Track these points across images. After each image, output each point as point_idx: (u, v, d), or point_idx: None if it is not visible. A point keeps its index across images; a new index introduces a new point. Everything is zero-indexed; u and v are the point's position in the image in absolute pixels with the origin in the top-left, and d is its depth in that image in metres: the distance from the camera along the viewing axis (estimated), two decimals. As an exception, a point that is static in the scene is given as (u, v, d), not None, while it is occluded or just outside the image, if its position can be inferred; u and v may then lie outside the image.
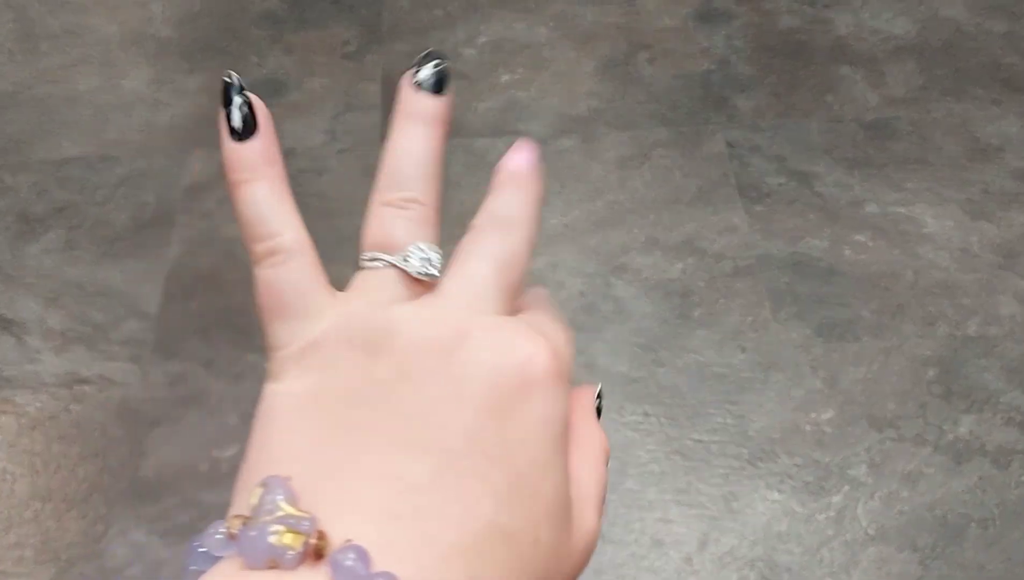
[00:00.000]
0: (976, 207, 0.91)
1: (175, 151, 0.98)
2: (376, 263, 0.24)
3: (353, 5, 1.11)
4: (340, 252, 0.91)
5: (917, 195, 0.92)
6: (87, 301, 0.87)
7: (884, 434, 0.77)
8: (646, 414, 0.79)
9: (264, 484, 0.19)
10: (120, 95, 1.03)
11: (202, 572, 0.19)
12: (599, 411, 0.25)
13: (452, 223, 1.04)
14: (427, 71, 0.25)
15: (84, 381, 0.82)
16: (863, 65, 1.04)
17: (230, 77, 0.23)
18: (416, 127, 0.25)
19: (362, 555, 0.18)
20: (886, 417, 0.78)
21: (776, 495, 0.74)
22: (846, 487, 0.74)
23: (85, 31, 1.10)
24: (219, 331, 0.84)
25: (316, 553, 0.18)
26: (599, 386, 0.26)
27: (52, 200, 0.95)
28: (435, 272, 0.23)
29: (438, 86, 0.25)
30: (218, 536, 0.19)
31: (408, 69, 0.25)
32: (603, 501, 0.23)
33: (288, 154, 0.98)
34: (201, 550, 0.19)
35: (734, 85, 1.02)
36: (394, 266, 0.23)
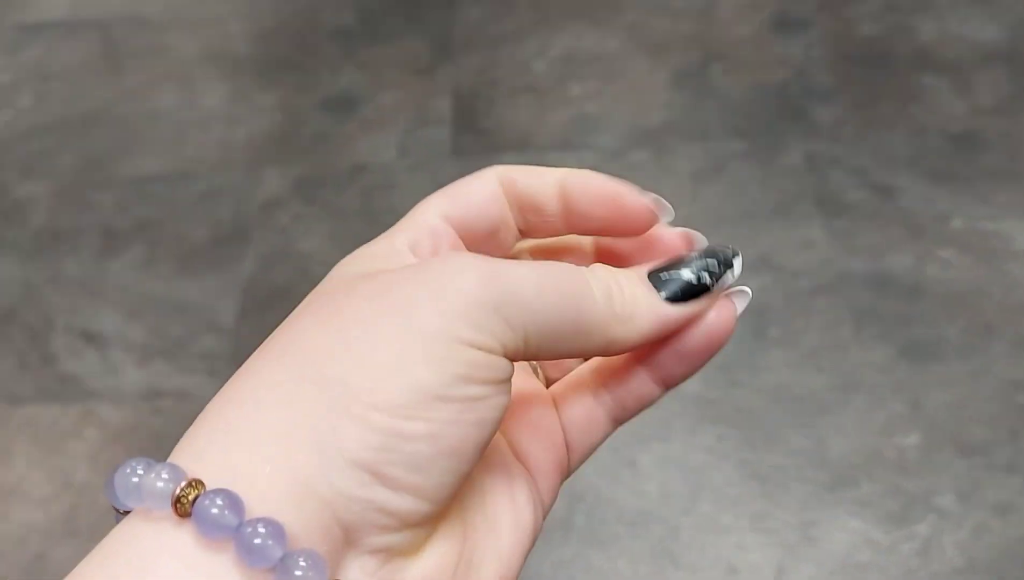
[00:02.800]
0: (1071, 222, 0.87)
1: (250, 167, 1.00)
2: None
3: (424, 19, 1.12)
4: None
5: (1006, 210, 0.89)
6: (166, 315, 0.89)
7: (972, 461, 0.74)
8: (720, 437, 0.77)
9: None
10: (198, 112, 1.06)
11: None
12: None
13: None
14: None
15: (163, 394, 0.83)
16: (949, 74, 1.00)
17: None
18: None
19: (232, 501, 0.18)
20: (974, 443, 0.75)
21: (857, 523, 0.72)
22: (932, 516, 0.71)
23: (165, 50, 1.13)
24: (293, 346, 0.85)
25: (179, 502, 0.18)
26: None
27: (133, 216, 0.97)
28: None
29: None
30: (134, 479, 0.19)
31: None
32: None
33: (359, 170, 0.98)
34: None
35: (812, 95, 1.00)
36: None
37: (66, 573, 0.75)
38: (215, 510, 0.18)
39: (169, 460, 0.20)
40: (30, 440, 0.82)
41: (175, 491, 0.18)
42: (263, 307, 0.88)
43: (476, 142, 1.00)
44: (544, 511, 0.25)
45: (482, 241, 0.26)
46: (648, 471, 0.76)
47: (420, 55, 1.09)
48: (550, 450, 0.25)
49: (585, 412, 0.26)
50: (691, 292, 0.24)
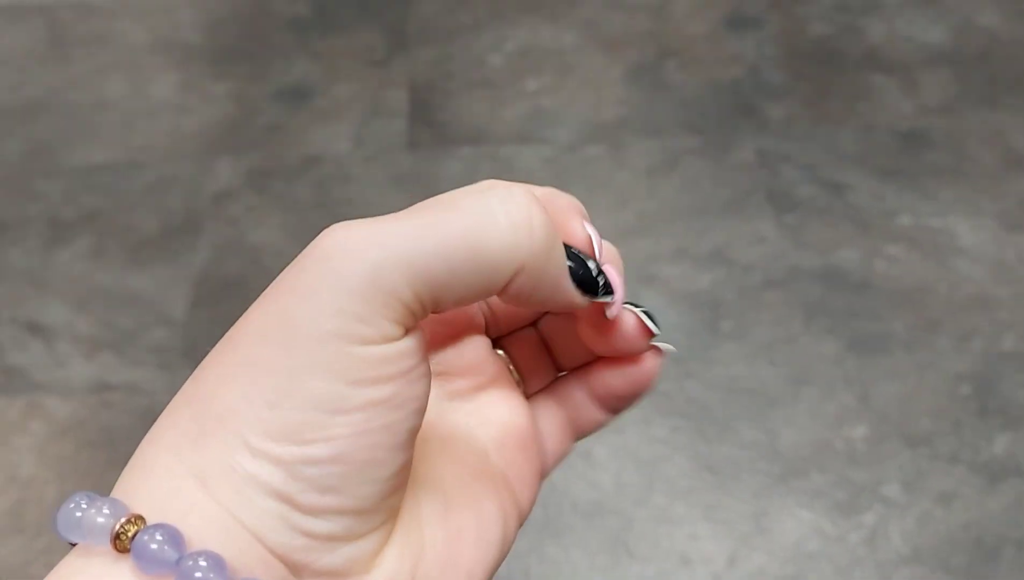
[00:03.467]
0: (1012, 219, 0.90)
1: (202, 157, 0.98)
2: None
3: (379, 11, 1.11)
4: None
5: (951, 206, 0.91)
6: (115, 307, 0.87)
7: (918, 452, 0.76)
8: (675, 428, 0.78)
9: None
10: (148, 101, 1.04)
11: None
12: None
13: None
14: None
15: (112, 387, 0.82)
16: (896, 73, 1.02)
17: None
18: None
19: (172, 535, 0.18)
20: (920, 434, 0.77)
21: (807, 513, 0.73)
22: (879, 506, 0.73)
23: (114, 37, 1.10)
24: (246, 339, 0.84)
25: (118, 537, 0.18)
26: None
27: (81, 206, 0.95)
28: None
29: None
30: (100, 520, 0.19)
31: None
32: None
33: (314, 161, 0.97)
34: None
35: (765, 93, 1.01)
36: None
37: (11, 569, 0.73)
38: (154, 545, 0.18)
39: (112, 496, 0.19)
40: (-27, 435, 0.80)
41: (115, 526, 0.18)
42: (215, 299, 0.87)
43: (431, 135, 0.99)
44: (520, 519, 0.24)
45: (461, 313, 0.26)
46: (602, 462, 0.76)
47: (375, 46, 1.08)
48: (532, 458, 0.25)
49: (558, 422, 0.26)
50: (588, 278, 0.23)
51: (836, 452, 0.76)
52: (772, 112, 1.00)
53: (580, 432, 0.26)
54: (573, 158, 0.97)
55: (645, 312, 0.24)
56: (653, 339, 0.25)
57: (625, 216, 0.91)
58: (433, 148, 0.98)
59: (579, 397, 0.26)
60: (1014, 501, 0.73)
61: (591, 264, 0.23)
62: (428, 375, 0.20)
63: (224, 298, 0.87)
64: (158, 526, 0.18)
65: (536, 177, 0.95)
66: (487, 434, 0.25)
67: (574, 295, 0.22)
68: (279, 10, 1.12)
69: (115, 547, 0.18)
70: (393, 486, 0.20)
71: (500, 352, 0.26)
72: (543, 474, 0.26)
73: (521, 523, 0.24)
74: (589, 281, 0.22)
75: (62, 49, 1.09)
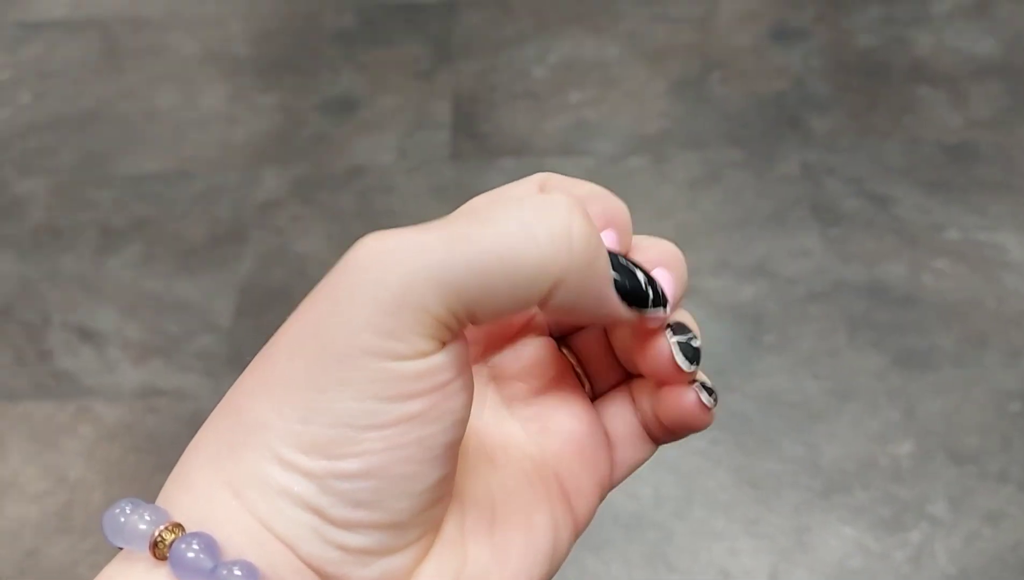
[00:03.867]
0: (1064, 234, 0.88)
1: (249, 167, 1.00)
2: None
3: (424, 24, 1.12)
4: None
5: (1000, 221, 0.89)
6: (163, 314, 0.89)
7: (964, 469, 0.74)
8: (715, 441, 0.77)
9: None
10: (197, 112, 1.06)
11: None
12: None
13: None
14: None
15: (159, 393, 0.83)
16: (944, 86, 1.01)
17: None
18: None
19: (208, 544, 0.18)
20: (967, 452, 0.75)
21: (850, 530, 0.72)
22: (924, 523, 0.72)
23: (165, 49, 1.13)
24: (289, 346, 0.85)
25: (156, 545, 0.18)
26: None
27: (132, 214, 0.97)
28: None
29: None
30: (142, 527, 0.19)
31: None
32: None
33: (358, 172, 0.99)
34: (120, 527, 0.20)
35: (809, 105, 1.01)
36: None
37: (60, 569, 0.75)
38: (191, 553, 0.18)
39: (156, 503, 0.20)
40: (25, 436, 0.81)
41: (154, 534, 0.19)
42: (260, 307, 0.88)
43: (475, 146, 1.00)
44: (576, 532, 0.23)
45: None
46: (642, 475, 0.76)
47: (420, 59, 1.09)
48: (593, 468, 0.24)
49: (632, 426, 0.25)
50: (637, 290, 0.21)
51: (880, 468, 0.75)
52: (817, 124, 0.99)
53: (665, 435, 0.25)
54: (615, 170, 0.97)
55: (685, 343, 0.22)
56: (691, 374, 0.23)
57: (667, 228, 0.91)
58: (476, 159, 0.99)
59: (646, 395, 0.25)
60: (1065, 522, 0.71)
61: (640, 274, 0.21)
62: (468, 388, 0.20)
63: (269, 306, 0.88)
64: (195, 535, 0.18)
65: (578, 188, 0.95)
66: (545, 442, 0.24)
67: (619, 308, 0.21)
68: (326, 23, 1.14)
69: (153, 554, 0.18)
70: (430, 500, 0.19)
71: (565, 352, 0.25)
72: (608, 484, 0.24)
73: (577, 536, 0.23)
74: (637, 293, 0.21)
75: (115, 61, 1.12)
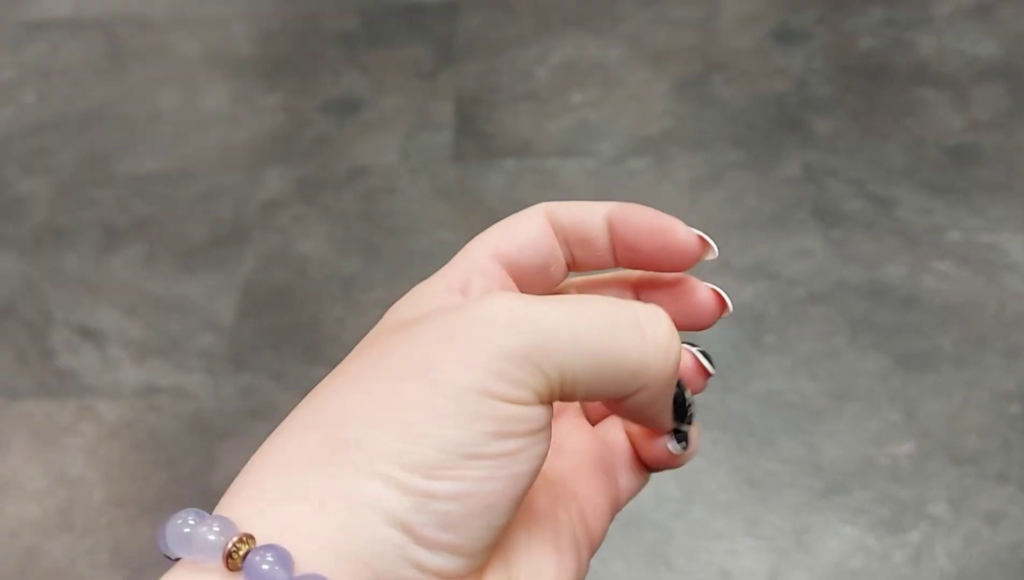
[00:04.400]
0: (1065, 236, 0.88)
1: (251, 168, 1.00)
2: None
3: (427, 25, 1.13)
4: (409, 270, 0.92)
5: (1002, 223, 0.89)
6: (165, 313, 0.89)
7: (964, 470, 0.74)
8: (715, 441, 0.77)
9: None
10: (200, 112, 1.06)
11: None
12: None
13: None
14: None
15: (160, 391, 0.84)
16: (946, 88, 1.01)
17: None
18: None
19: (282, 557, 0.18)
20: (967, 452, 0.75)
21: (850, 530, 0.72)
22: (924, 524, 0.72)
23: (168, 50, 1.13)
24: (289, 346, 0.85)
25: (231, 556, 0.19)
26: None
27: (134, 214, 0.97)
28: None
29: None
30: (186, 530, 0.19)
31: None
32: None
33: (360, 172, 0.99)
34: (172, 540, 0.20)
35: (811, 107, 1.01)
36: None
37: (59, 567, 0.75)
38: (265, 565, 0.18)
39: (215, 512, 0.20)
40: (26, 434, 0.82)
41: (226, 545, 0.19)
42: (261, 307, 0.89)
43: (477, 147, 1.00)
44: (592, 552, 0.25)
45: (532, 277, 0.26)
46: (642, 475, 0.76)
47: (422, 60, 1.09)
48: (606, 488, 0.25)
49: (628, 453, 0.27)
50: (682, 405, 0.24)
51: (880, 469, 0.75)
52: (819, 126, 0.99)
53: (652, 464, 0.27)
54: (617, 171, 0.97)
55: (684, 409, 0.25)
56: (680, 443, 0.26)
57: (668, 229, 0.91)
58: (478, 160, 0.99)
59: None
60: (1065, 523, 0.71)
61: (687, 394, 0.24)
62: (549, 440, 0.21)
63: (270, 306, 0.89)
64: (269, 547, 0.18)
65: (579, 190, 0.95)
66: (561, 464, 0.25)
67: (668, 420, 0.24)
68: (329, 24, 1.14)
69: (227, 565, 0.19)
70: (500, 533, 0.20)
71: None
72: (617, 505, 0.26)
73: (592, 555, 0.25)
74: (682, 408, 0.24)
75: (118, 61, 1.12)
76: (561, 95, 1.04)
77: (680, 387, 0.24)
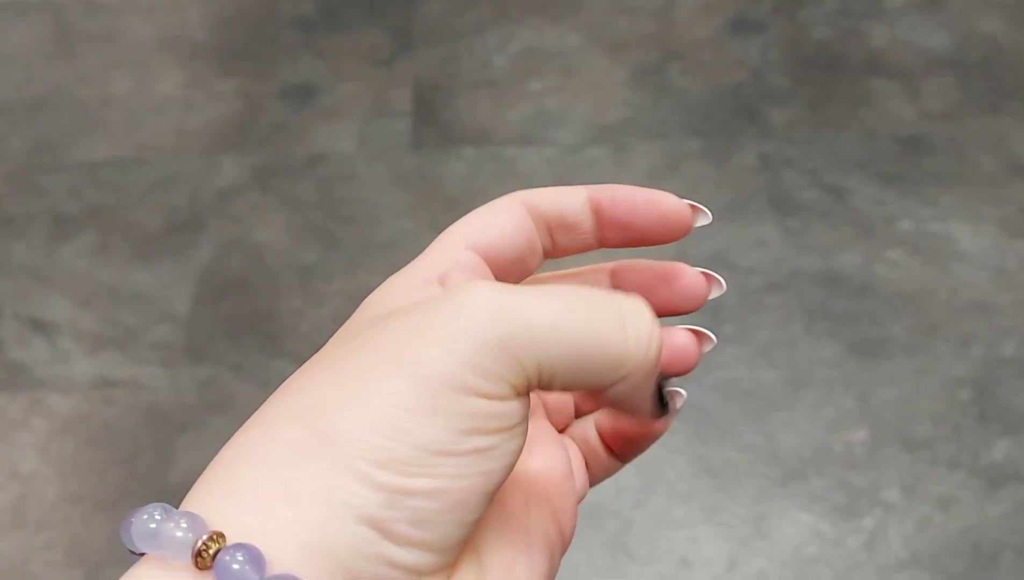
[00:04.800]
0: (1013, 225, 0.90)
1: (207, 155, 0.99)
2: None
3: (385, 11, 1.11)
4: (367, 258, 0.91)
5: (952, 212, 0.91)
6: (119, 304, 0.87)
7: (917, 456, 0.76)
8: (674, 431, 0.78)
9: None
10: (153, 98, 1.04)
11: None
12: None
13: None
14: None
15: (114, 384, 0.82)
16: (899, 79, 1.03)
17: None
18: None
19: (253, 556, 0.18)
20: (919, 439, 0.77)
21: (807, 517, 0.73)
22: (878, 510, 0.73)
23: (120, 34, 1.10)
24: (248, 336, 0.84)
25: (200, 555, 0.18)
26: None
27: (86, 202, 0.95)
28: None
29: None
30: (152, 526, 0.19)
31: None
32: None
33: (318, 160, 0.98)
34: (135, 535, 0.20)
35: (767, 97, 1.02)
36: None
37: (12, 564, 0.73)
38: (236, 565, 0.18)
39: (182, 507, 0.20)
40: (-24, 429, 0.80)
41: (196, 543, 0.18)
42: (218, 296, 0.87)
43: (436, 134, 1.00)
44: (563, 550, 0.25)
45: (509, 267, 0.26)
46: (603, 464, 0.76)
47: (380, 46, 1.08)
48: (571, 489, 0.26)
49: (579, 461, 0.27)
50: (660, 398, 0.25)
51: (835, 456, 0.76)
52: (775, 116, 1.00)
53: (594, 478, 0.28)
54: (576, 159, 0.97)
55: (664, 393, 0.25)
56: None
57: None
58: (437, 148, 0.98)
59: (593, 442, 0.27)
60: (1013, 507, 0.73)
61: (667, 384, 0.25)
62: (525, 435, 0.21)
63: (227, 295, 0.87)
64: (239, 545, 0.18)
65: (538, 178, 0.95)
66: (531, 465, 0.25)
67: (648, 408, 0.24)
68: (285, 9, 1.12)
69: (196, 564, 0.18)
70: (470, 530, 0.20)
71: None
72: (581, 495, 0.27)
73: (563, 554, 0.25)
74: (661, 399, 0.24)
75: (68, 45, 1.09)
76: (520, 83, 1.04)
77: (660, 378, 0.24)
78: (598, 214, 0.26)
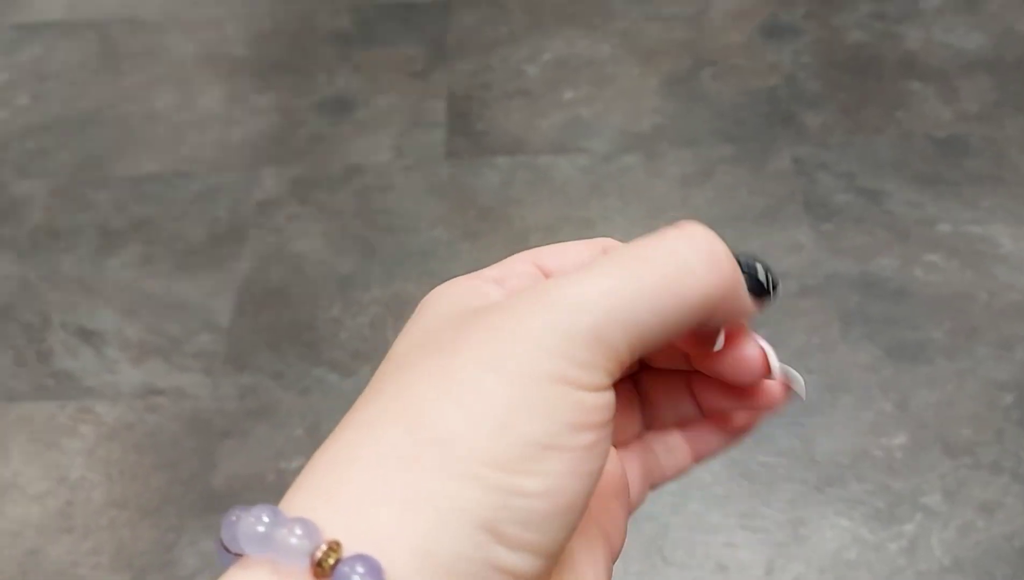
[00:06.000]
0: (1054, 227, 0.89)
1: (247, 167, 1.01)
2: None
3: (420, 24, 1.13)
4: (404, 268, 0.92)
5: (992, 214, 0.90)
6: (163, 314, 0.89)
7: (959, 461, 0.75)
8: (711, 435, 0.78)
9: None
10: (195, 113, 1.06)
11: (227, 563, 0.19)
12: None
13: (514, 239, 1.04)
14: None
15: (159, 392, 0.84)
16: (935, 80, 1.02)
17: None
18: None
19: (373, 568, 0.18)
20: (960, 443, 0.76)
21: (845, 522, 0.73)
22: (919, 515, 0.73)
23: (162, 51, 1.13)
24: (288, 345, 0.86)
25: (319, 564, 0.18)
26: None
27: (131, 215, 0.98)
28: None
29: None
30: (260, 528, 0.19)
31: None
32: None
33: (355, 171, 0.99)
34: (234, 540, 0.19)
35: (801, 101, 1.01)
36: None
37: (60, 568, 0.75)
38: (356, 577, 0.17)
39: (283, 509, 0.19)
40: (26, 436, 0.82)
41: (315, 552, 0.18)
42: (258, 306, 0.89)
43: (470, 144, 1.01)
44: (614, 556, 0.25)
45: None
46: (639, 469, 0.76)
47: (415, 59, 1.10)
48: (623, 504, 0.25)
49: (639, 471, 0.27)
50: (758, 284, 0.23)
51: (874, 460, 0.76)
52: (809, 120, 1.00)
53: (656, 481, 0.27)
54: (609, 168, 0.97)
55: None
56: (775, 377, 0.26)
57: (660, 225, 0.92)
58: (471, 158, 0.99)
59: (659, 449, 0.27)
60: (1056, 511, 0.72)
61: (758, 266, 0.23)
62: (611, 435, 0.21)
63: (267, 305, 0.89)
64: (359, 557, 0.18)
65: (572, 186, 0.96)
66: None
67: (750, 306, 0.23)
68: (322, 24, 1.14)
69: (314, 573, 0.18)
70: (572, 535, 0.20)
71: None
72: (630, 510, 0.26)
73: (613, 563, 0.25)
74: (760, 286, 0.23)
75: (112, 63, 1.12)
76: (553, 92, 1.05)
77: (746, 267, 0.23)
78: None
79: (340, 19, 1.15)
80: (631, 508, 0.26)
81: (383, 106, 1.05)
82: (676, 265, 0.21)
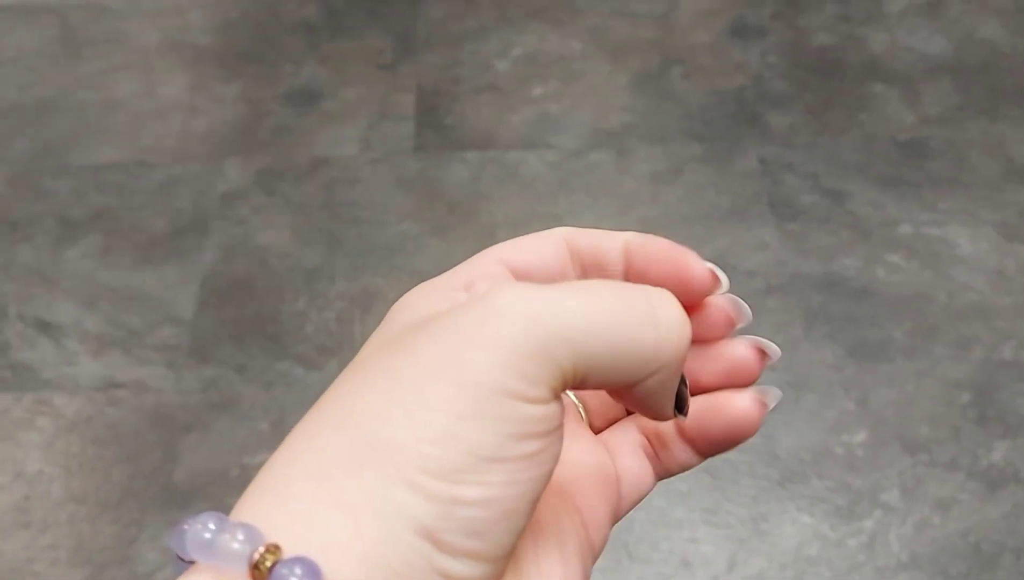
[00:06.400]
0: (1011, 229, 0.91)
1: (211, 158, 0.99)
2: None
3: (388, 16, 1.12)
4: (371, 262, 0.92)
5: (951, 216, 0.92)
6: (123, 306, 0.88)
7: (917, 458, 0.77)
8: (676, 432, 0.79)
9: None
10: (158, 102, 1.05)
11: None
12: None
13: (482, 234, 1.03)
14: None
15: (119, 385, 0.83)
16: (898, 83, 1.03)
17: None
18: None
19: (311, 570, 0.18)
20: (919, 441, 0.77)
21: (807, 518, 0.74)
22: (878, 512, 0.74)
23: (125, 38, 1.11)
24: (251, 338, 0.85)
25: (256, 567, 0.18)
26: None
27: (90, 205, 0.96)
28: None
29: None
30: (206, 535, 0.19)
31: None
32: None
33: (321, 163, 0.98)
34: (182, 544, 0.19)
35: (768, 101, 1.02)
36: None
37: (16, 564, 0.74)
38: (293, 579, 0.17)
39: (234, 516, 0.19)
40: (-19, 430, 0.80)
41: (252, 555, 0.18)
42: (222, 299, 0.88)
43: (439, 138, 1.00)
44: (594, 559, 0.25)
45: None
46: (605, 465, 0.77)
47: (383, 51, 1.09)
48: (607, 498, 0.25)
49: (637, 464, 0.26)
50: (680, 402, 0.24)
51: (835, 458, 0.77)
52: (775, 121, 1.01)
53: (666, 471, 0.27)
54: (578, 164, 0.97)
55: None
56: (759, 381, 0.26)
57: (628, 222, 0.92)
58: (439, 152, 0.99)
59: (665, 433, 0.27)
60: (1012, 508, 0.74)
61: (684, 385, 0.24)
62: (562, 439, 0.21)
63: (231, 298, 0.88)
64: (297, 559, 0.18)
65: (541, 182, 0.96)
66: (563, 474, 0.25)
67: (670, 408, 0.23)
68: (289, 13, 1.13)
69: (252, 577, 0.18)
70: (518, 538, 0.20)
71: (569, 393, 0.27)
72: (618, 514, 0.26)
73: (595, 560, 0.25)
74: (681, 398, 0.24)
75: (73, 49, 1.10)
76: (522, 88, 1.05)
77: (681, 378, 0.23)
78: (629, 260, 0.26)
79: (307, 9, 1.13)
80: (627, 500, 0.26)
81: (351, 98, 1.04)
82: (642, 316, 0.21)
